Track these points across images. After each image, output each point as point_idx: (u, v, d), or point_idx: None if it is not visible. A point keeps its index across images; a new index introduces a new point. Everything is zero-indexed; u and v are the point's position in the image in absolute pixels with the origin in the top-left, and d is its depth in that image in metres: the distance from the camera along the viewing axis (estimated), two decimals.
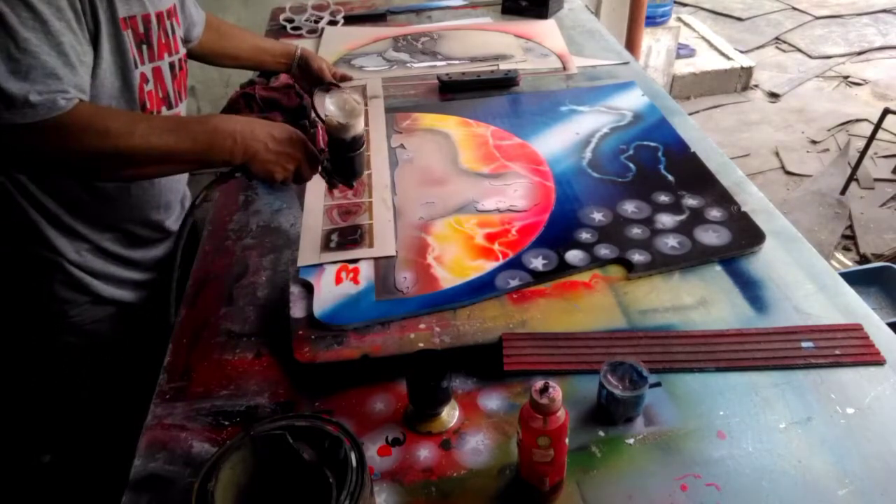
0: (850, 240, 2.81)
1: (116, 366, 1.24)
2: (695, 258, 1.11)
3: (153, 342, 1.04)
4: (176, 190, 1.28)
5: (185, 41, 1.32)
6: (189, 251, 1.18)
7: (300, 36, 2.04)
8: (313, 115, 1.26)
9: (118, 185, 1.14)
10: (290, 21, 2.08)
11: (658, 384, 0.90)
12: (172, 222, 1.27)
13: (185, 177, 1.32)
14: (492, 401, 0.89)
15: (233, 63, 1.55)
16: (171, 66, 1.18)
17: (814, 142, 3.52)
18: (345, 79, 1.66)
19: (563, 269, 1.10)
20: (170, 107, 1.18)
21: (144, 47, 1.10)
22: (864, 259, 2.67)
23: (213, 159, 1.00)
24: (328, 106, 1.05)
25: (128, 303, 1.22)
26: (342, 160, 1.09)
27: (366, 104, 1.59)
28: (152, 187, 1.19)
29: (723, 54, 4.09)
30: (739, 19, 4.96)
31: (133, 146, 0.94)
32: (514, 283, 1.07)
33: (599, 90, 1.65)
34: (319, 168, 1.09)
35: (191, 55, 1.39)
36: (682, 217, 1.20)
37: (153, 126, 0.97)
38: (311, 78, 1.60)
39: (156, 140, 0.95)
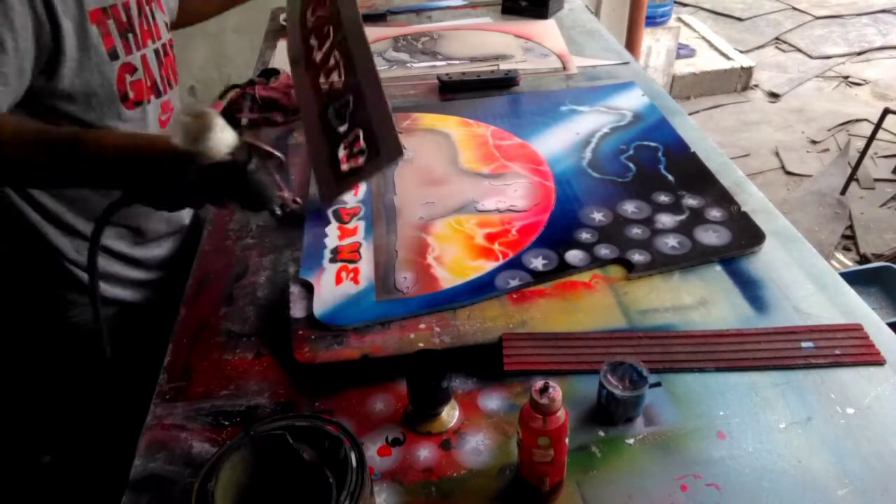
0: (850, 240, 2.81)
1: (117, 366, 1.23)
2: (695, 258, 1.11)
3: (156, 343, 1.03)
4: None
5: (173, 25, 1.30)
6: (189, 251, 1.18)
7: None
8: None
9: None
10: None
11: (658, 384, 0.90)
12: (185, 212, 1.26)
13: None
14: (492, 401, 0.89)
15: (209, 10, 1.47)
16: (156, 52, 1.16)
17: (814, 142, 3.53)
18: None
19: (563, 269, 1.10)
20: (158, 94, 1.16)
21: (130, 36, 1.08)
22: (864, 259, 2.67)
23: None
24: (175, 130, 0.84)
25: (130, 303, 1.21)
26: (231, 190, 0.90)
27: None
28: None
29: (723, 54, 4.09)
30: (739, 19, 4.96)
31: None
32: (514, 283, 1.07)
33: (599, 90, 1.65)
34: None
35: (181, 24, 1.39)
36: (682, 217, 1.20)
37: (20, 138, 0.88)
38: None
39: (12, 152, 0.87)
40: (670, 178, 1.31)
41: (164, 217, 1.23)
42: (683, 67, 3.92)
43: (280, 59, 1.90)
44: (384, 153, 1.06)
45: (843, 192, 2.98)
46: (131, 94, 1.08)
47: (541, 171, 1.35)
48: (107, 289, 1.17)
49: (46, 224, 1.09)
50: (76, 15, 0.97)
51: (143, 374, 0.99)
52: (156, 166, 0.85)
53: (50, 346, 1.22)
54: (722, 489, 0.77)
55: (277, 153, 0.99)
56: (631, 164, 1.36)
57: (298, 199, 1.03)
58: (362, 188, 1.32)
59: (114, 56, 1.04)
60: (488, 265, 1.11)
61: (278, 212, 0.97)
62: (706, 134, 1.47)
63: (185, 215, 1.28)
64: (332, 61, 1.14)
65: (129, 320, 1.23)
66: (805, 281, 1.06)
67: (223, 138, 0.84)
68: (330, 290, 1.08)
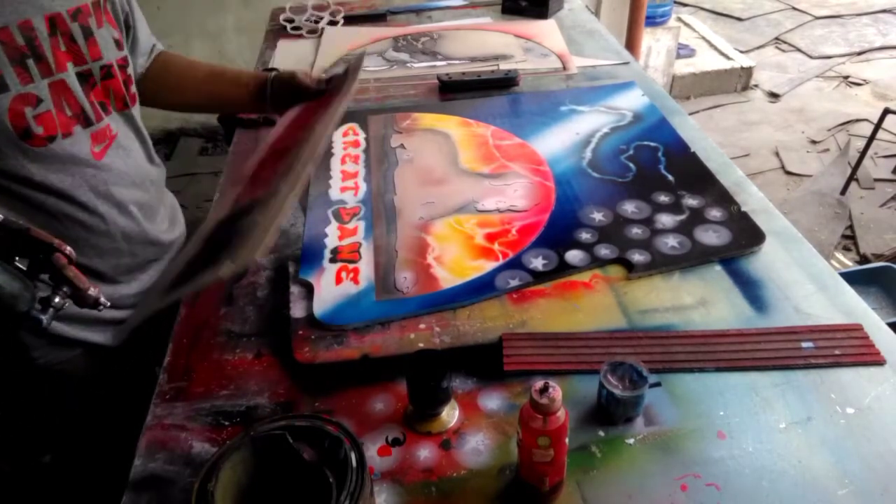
0: (850, 240, 2.81)
1: (96, 402, 1.17)
2: (695, 258, 1.11)
3: (135, 383, 0.96)
4: (130, 234, 1.12)
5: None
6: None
7: (300, 36, 2.04)
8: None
9: (58, 229, 0.99)
10: (290, 21, 2.08)
11: (658, 384, 0.90)
12: (148, 249, 1.15)
13: (140, 218, 1.13)
14: (492, 401, 0.89)
15: (181, 99, 1.26)
16: (84, 75, 1.00)
17: (814, 142, 3.52)
18: (331, 81, 1.23)
19: (563, 269, 1.10)
20: (88, 124, 1.02)
21: (31, 62, 0.92)
22: (864, 259, 2.67)
23: None
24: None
25: (97, 343, 1.11)
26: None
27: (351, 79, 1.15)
28: (93, 234, 1.06)
29: (723, 54, 4.08)
30: (739, 19, 4.96)
31: None
32: (514, 283, 1.07)
33: (599, 90, 1.65)
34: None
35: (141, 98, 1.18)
36: (682, 217, 1.20)
37: None
38: (291, 94, 1.20)
39: None
40: (670, 178, 1.31)
41: (125, 251, 1.12)
42: (683, 67, 3.91)
43: (280, 59, 1.90)
44: (237, 254, 0.80)
45: (843, 192, 2.98)
46: (38, 130, 0.94)
47: (541, 171, 1.35)
48: (66, 329, 1.06)
49: None
50: None
51: (143, 377, 0.97)
52: None
53: (21, 384, 1.12)
54: (722, 489, 0.77)
55: (50, 240, 0.84)
56: (631, 164, 1.36)
57: (97, 298, 0.88)
58: (362, 188, 1.32)
59: (1, 88, 0.90)
60: (488, 265, 1.11)
61: (40, 317, 0.82)
62: (706, 134, 1.47)
63: (150, 252, 1.17)
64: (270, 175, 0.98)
65: (103, 361, 1.13)
66: (805, 281, 1.06)
67: None
68: (330, 290, 1.07)
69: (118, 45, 1.07)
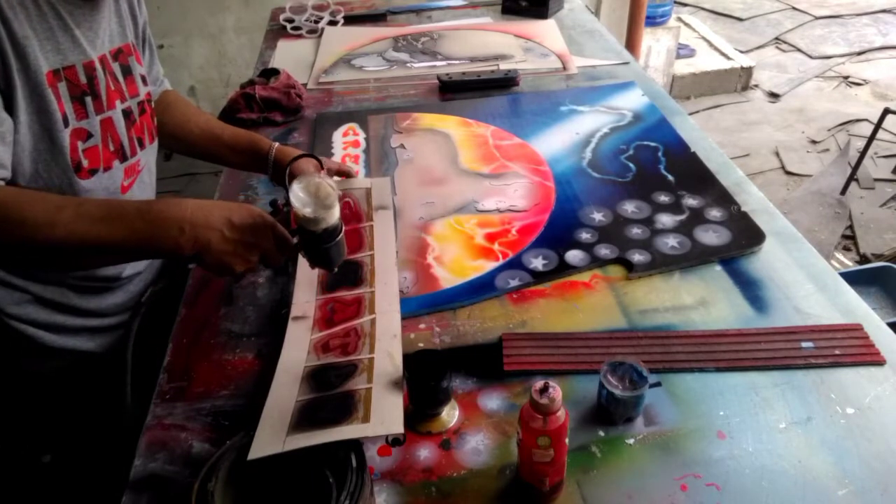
0: (850, 240, 2.80)
1: (94, 404, 1.13)
2: (695, 258, 1.11)
3: (123, 391, 0.93)
4: None
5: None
6: (168, 288, 1.12)
7: (300, 36, 2.04)
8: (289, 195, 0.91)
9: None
10: (290, 21, 2.08)
11: (658, 384, 0.90)
12: (131, 267, 1.14)
13: None
14: (492, 401, 0.89)
15: (178, 147, 1.27)
16: (127, 112, 1.05)
17: (814, 142, 3.52)
18: (342, 174, 1.24)
19: (563, 269, 1.10)
20: (124, 158, 1.05)
21: (88, 99, 0.96)
22: (864, 259, 2.67)
23: (157, 250, 0.88)
24: (296, 192, 0.86)
25: (86, 351, 1.10)
26: (314, 251, 0.92)
27: (370, 217, 1.16)
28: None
29: (723, 54, 4.08)
30: (739, 19, 4.96)
31: (55, 237, 0.83)
32: (514, 283, 1.07)
33: (599, 90, 1.65)
34: (294, 252, 0.93)
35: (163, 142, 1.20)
36: (682, 217, 1.20)
37: (81, 214, 0.84)
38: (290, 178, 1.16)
39: (83, 230, 0.84)
40: (670, 178, 1.31)
41: (106, 277, 1.10)
42: (683, 67, 3.91)
43: (280, 58, 1.90)
44: (376, 421, 0.79)
45: (843, 192, 2.97)
46: (85, 163, 0.97)
47: (541, 171, 1.35)
48: (54, 339, 1.05)
49: None
50: (26, 76, 0.88)
51: (143, 376, 0.97)
52: None
53: (10, 392, 1.10)
54: (722, 489, 0.77)
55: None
56: (631, 164, 1.36)
57: None
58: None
59: (64, 123, 0.94)
60: (488, 265, 1.11)
61: (335, 269, 0.95)
62: (706, 134, 1.47)
63: (140, 264, 1.17)
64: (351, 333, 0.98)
65: (91, 368, 1.11)
66: (805, 281, 1.06)
67: (336, 210, 0.89)
68: None
69: (144, 80, 1.11)
